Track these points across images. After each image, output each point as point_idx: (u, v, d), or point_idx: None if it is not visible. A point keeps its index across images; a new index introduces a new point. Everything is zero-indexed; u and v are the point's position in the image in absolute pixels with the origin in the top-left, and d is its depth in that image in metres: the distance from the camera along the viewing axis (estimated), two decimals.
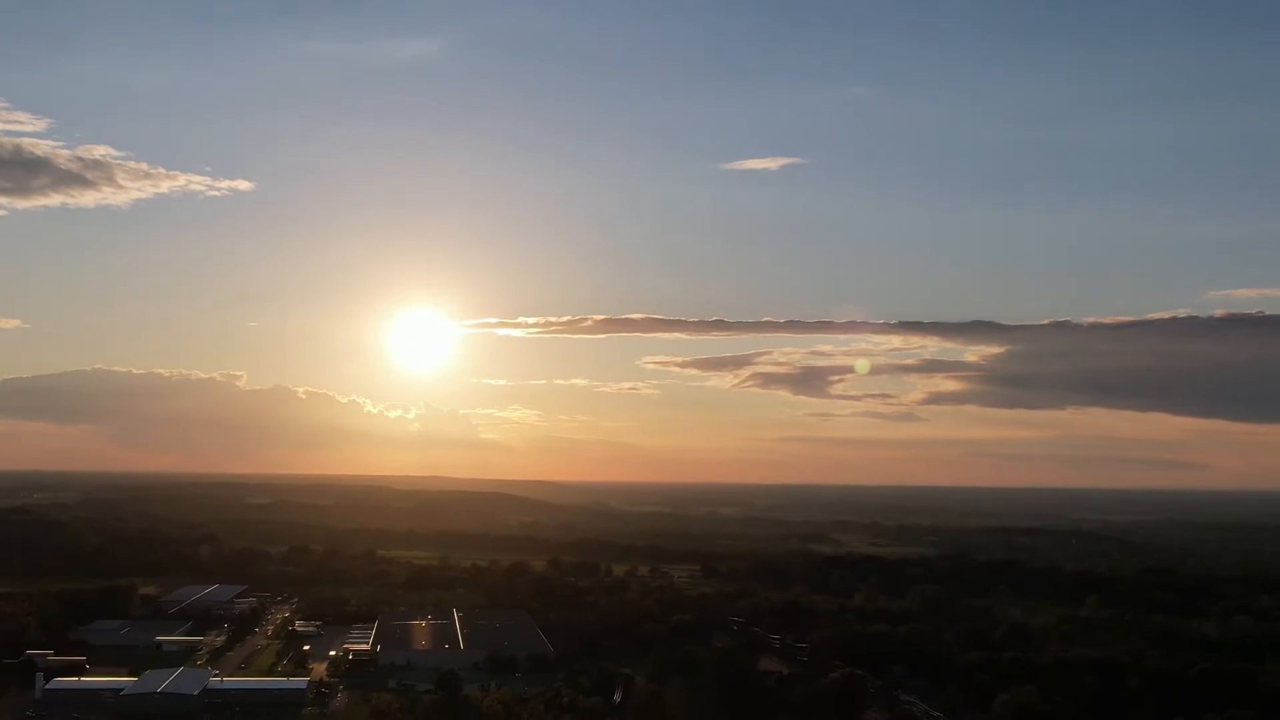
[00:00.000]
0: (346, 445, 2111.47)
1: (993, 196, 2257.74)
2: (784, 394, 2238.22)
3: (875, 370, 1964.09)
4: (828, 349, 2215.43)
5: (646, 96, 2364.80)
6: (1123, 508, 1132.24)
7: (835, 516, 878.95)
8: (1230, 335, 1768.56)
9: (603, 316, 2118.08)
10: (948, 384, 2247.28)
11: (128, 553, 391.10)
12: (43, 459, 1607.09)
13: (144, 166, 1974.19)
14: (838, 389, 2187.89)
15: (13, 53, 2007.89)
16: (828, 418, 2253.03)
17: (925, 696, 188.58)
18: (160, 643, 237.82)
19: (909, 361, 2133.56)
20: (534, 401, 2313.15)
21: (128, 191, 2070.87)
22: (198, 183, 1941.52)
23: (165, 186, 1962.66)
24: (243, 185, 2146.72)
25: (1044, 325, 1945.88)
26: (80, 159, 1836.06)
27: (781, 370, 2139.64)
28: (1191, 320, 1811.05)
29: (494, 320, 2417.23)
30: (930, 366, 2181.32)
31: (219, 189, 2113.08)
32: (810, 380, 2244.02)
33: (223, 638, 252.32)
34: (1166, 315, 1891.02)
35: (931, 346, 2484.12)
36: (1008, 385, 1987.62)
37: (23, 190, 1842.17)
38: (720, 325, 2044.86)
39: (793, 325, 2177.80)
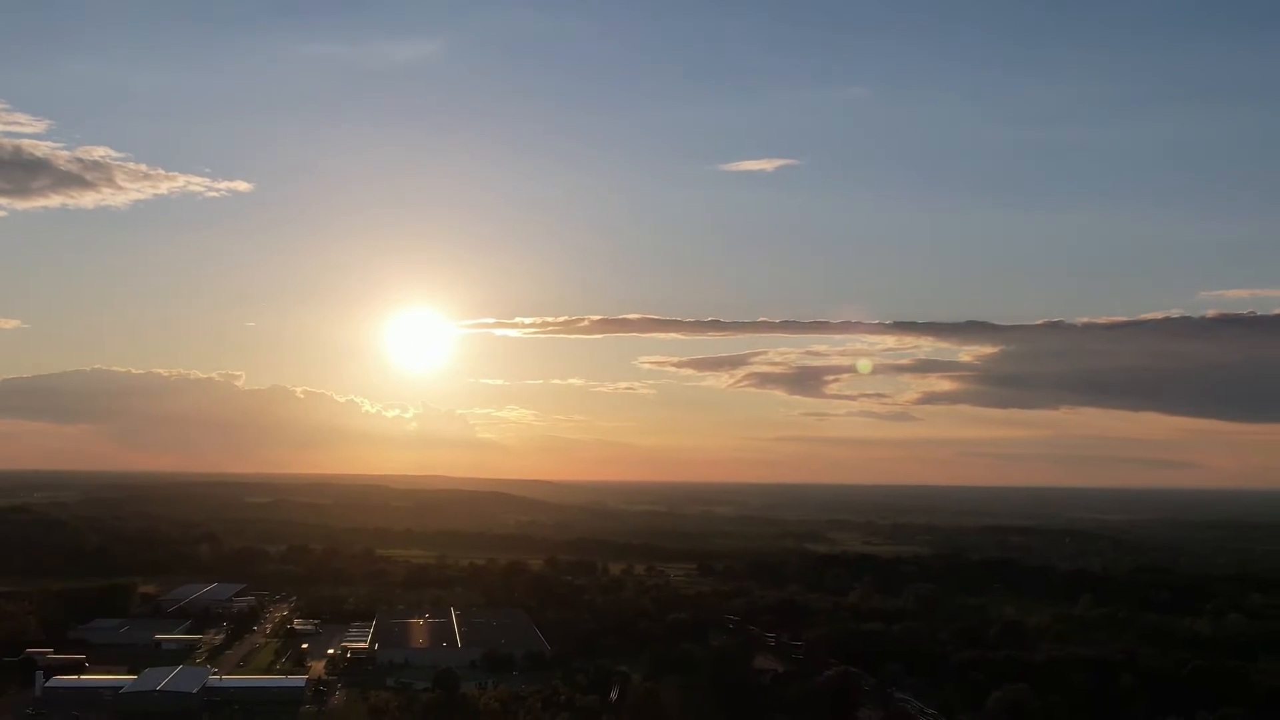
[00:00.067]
0: (345, 445, 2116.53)
1: (987, 198, 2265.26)
2: (779, 394, 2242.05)
3: (858, 370, 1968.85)
4: (823, 349, 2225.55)
5: (643, 98, 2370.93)
6: (1116, 507, 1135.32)
7: (830, 515, 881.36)
8: (1223, 335, 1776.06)
9: (599, 317, 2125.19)
10: (942, 384, 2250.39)
11: (127, 552, 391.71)
12: (42, 458, 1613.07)
13: (143, 168, 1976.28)
14: (833, 389, 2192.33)
15: (13, 54, 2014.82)
16: (823, 417, 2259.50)
17: (919, 694, 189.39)
18: (159, 641, 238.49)
19: (904, 361, 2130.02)
20: (531, 401, 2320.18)
21: (127, 192, 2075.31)
22: (197, 184, 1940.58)
23: (164, 187, 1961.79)
24: (241, 186, 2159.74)
25: (1038, 325, 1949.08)
26: (80, 160, 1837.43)
27: (777, 370, 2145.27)
28: (1184, 320, 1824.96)
29: (491, 320, 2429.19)
30: (925, 366, 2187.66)
31: (218, 190, 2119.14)
32: (805, 380, 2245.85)
33: (222, 636, 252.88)
34: (1160, 315, 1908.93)
35: (926, 346, 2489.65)
36: (1002, 385, 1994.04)
37: (23, 191, 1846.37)
38: (716, 325, 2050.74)
39: (788, 325, 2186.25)
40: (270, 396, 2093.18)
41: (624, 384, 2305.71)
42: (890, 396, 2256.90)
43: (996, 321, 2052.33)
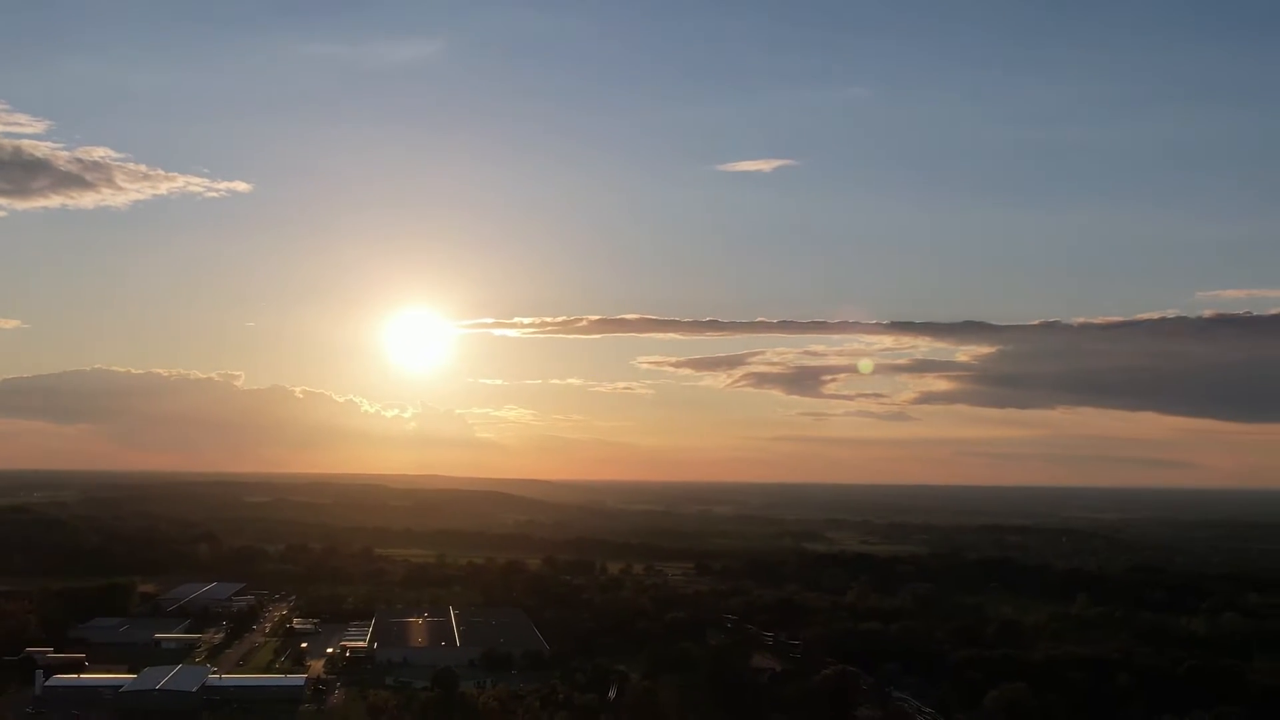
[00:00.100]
0: (344, 444, 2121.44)
1: (984, 198, 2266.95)
2: (777, 393, 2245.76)
3: (860, 370, 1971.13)
4: (820, 349, 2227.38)
5: (642, 98, 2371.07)
6: (1112, 506, 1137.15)
7: (828, 515, 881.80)
8: (1219, 335, 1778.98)
9: (598, 317, 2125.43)
10: (939, 384, 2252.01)
11: (126, 551, 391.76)
12: (42, 458, 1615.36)
13: (143, 168, 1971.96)
14: (830, 388, 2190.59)
15: (13, 55, 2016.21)
16: (820, 417, 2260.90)
17: (917, 693, 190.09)
18: (159, 640, 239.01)
19: (901, 361, 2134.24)
20: (529, 401, 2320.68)
21: (127, 193, 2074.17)
22: (196, 184, 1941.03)
23: (164, 188, 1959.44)
24: (241, 187, 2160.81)
25: (1034, 325, 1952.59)
26: (80, 160, 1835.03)
27: (775, 370, 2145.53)
28: (1181, 321, 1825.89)
29: (490, 320, 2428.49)
30: (922, 366, 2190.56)
31: (217, 190, 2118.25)
32: (803, 380, 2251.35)
33: (221, 635, 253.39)
34: (1156, 316, 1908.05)
35: (923, 346, 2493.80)
36: (999, 385, 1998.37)
37: (22, 192, 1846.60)
38: (714, 325, 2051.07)
39: (786, 325, 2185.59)
40: (269, 396, 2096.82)
41: (622, 384, 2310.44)
42: (888, 396, 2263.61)
43: (993, 321, 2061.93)
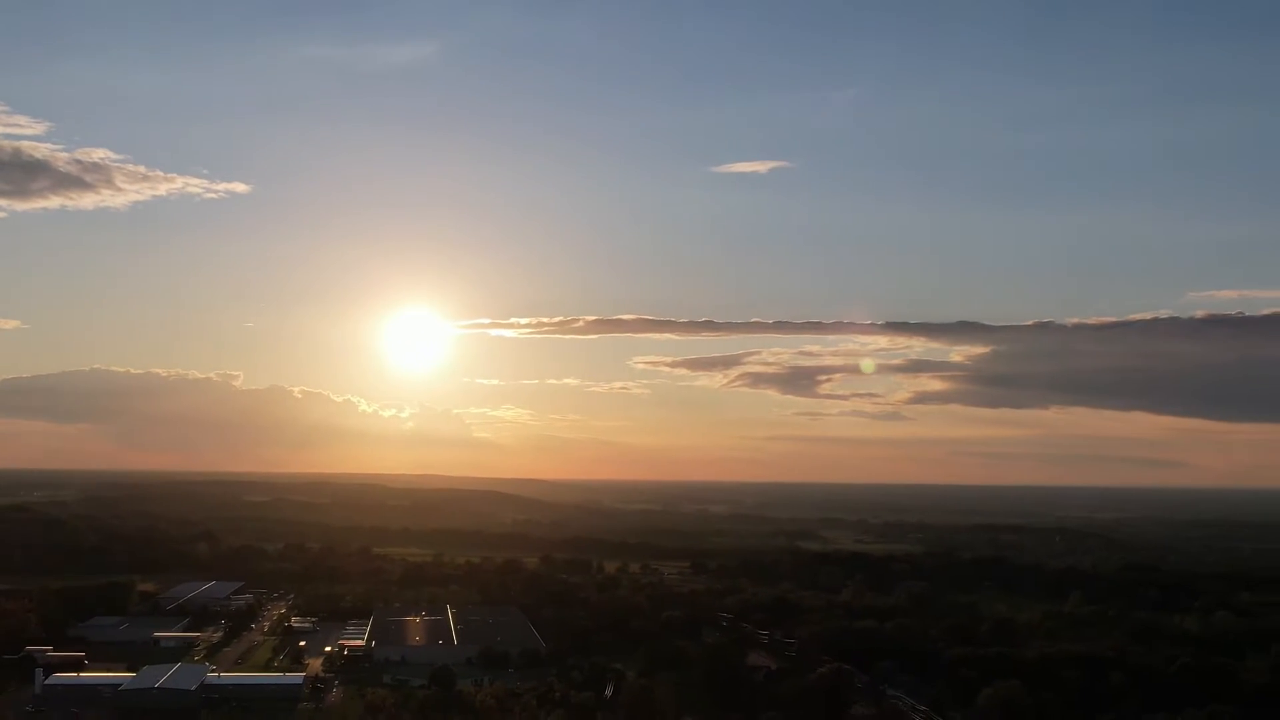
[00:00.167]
0: (342, 444, 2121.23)
1: (979, 199, 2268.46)
2: (772, 393, 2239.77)
3: (862, 370, 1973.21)
4: (816, 349, 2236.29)
5: (638, 100, 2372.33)
6: (1106, 505, 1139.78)
7: (823, 514, 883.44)
8: (1211, 336, 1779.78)
9: (594, 317, 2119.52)
10: (934, 384, 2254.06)
11: (126, 550, 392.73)
12: (42, 458, 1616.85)
13: (142, 169, 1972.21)
14: (826, 388, 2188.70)
15: (12, 57, 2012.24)
16: (815, 417, 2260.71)
17: (911, 691, 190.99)
18: (158, 639, 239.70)
19: (895, 361, 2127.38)
20: (527, 401, 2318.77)
21: (126, 194, 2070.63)
22: (195, 185, 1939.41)
23: (163, 189, 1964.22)
24: (239, 188, 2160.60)
25: (1028, 326, 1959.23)
26: (79, 162, 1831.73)
27: (770, 370, 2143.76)
28: (1173, 321, 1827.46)
29: (487, 321, 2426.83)
30: (916, 366, 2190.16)
31: (216, 191, 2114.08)
32: (798, 380, 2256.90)
33: (220, 634, 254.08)
34: (1148, 316, 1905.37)
35: (918, 347, 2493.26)
36: (992, 385, 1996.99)
37: (22, 193, 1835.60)
38: (710, 326, 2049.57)
39: (781, 326, 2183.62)
40: (268, 396, 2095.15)
41: (619, 384, 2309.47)
42: (882, 396, 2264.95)
43: (987, 322, 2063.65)
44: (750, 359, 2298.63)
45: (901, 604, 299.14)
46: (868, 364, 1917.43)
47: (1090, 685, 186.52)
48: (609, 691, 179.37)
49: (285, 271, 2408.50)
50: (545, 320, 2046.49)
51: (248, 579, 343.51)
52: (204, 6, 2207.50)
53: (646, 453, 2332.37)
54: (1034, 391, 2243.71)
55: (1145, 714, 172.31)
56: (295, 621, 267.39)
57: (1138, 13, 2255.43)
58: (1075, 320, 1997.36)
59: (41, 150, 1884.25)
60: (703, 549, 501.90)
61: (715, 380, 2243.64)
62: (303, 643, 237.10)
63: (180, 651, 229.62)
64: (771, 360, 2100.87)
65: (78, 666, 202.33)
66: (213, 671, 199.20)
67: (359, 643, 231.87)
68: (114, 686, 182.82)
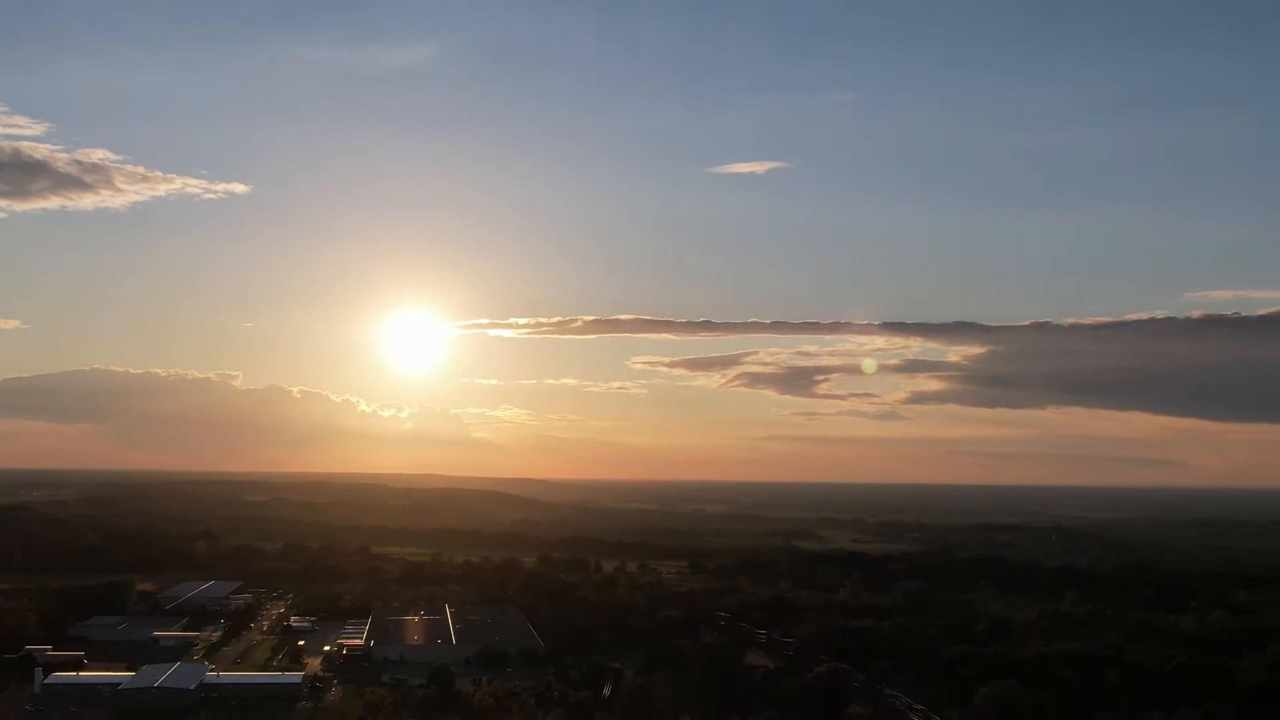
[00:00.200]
0: (341, 444, 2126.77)
1: (975, 200, 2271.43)
2: (770, 393, 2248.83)
3: (859, 370, 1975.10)
4: (813, 349, 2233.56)
5: (635, 101, 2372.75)
6: (1102, 505, 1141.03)
7: (820, 514, 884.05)
8: (1207, 336, 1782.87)
9: (592, 317, 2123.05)
10: (931, 383, 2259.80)
11: (125, 550, 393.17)
12: (41, 457, 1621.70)
13: (141, 170, 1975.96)
14: (823, 388, 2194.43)
15: (12, 57, 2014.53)
16: (813, 416, 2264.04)
17: (909, 690, 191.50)
18: (157, 638, 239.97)
19: (893, 361, 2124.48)
20: (525, 401, 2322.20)
21: (125, 194, 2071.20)
22: (194, 186, 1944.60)
23: (162, 189, 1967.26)
24: (238, 188, 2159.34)
25: (1025, 326, 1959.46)
26: (79, 162, 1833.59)
27: (768, 370, 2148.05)
28: (1169, 321, 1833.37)
29: (485, 321, 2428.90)
30: (913, 366, 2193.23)
31: (215, 192, 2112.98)
32: (796, 380, 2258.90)
33: (219, 633, 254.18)
34: (1145, 316, 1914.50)
35: (915, 347, 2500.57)
36: (989, 385, 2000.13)
37: (22, 193, 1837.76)
38: (708, 326, 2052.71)
39: (779, 326, 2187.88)
40: (267, 396, 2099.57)
41: (617, 384, 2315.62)
42: (879, 396, 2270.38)
43: (984, 322, 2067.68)
44: (748, 359, 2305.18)
45: (898, 603, 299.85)
46: (869, 364, 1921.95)
47: (1086, 684, 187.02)
48: (607, 690, 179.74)
49: (284, 272, 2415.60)
50: (544, 320, 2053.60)
51: (247, 578, 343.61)
52: (204, 8, 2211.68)
53: (644, 452, 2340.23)
54: (1031, 391, 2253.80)
55: (1141, 713, 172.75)
56: (294, 621, 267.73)
57: (1132, 15, 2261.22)
58: (1072, 320, 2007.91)
59: (41, 151, 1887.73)
60: (700, 548, 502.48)
61: (713, 380, 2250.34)
62: (301, 642, 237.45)
63: (179, 651, 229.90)
64: (769, 360, 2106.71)
65: (77, 666, 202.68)
66: (212, 670, 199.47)
67: (358, 642, 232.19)
68: (113, 685, 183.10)
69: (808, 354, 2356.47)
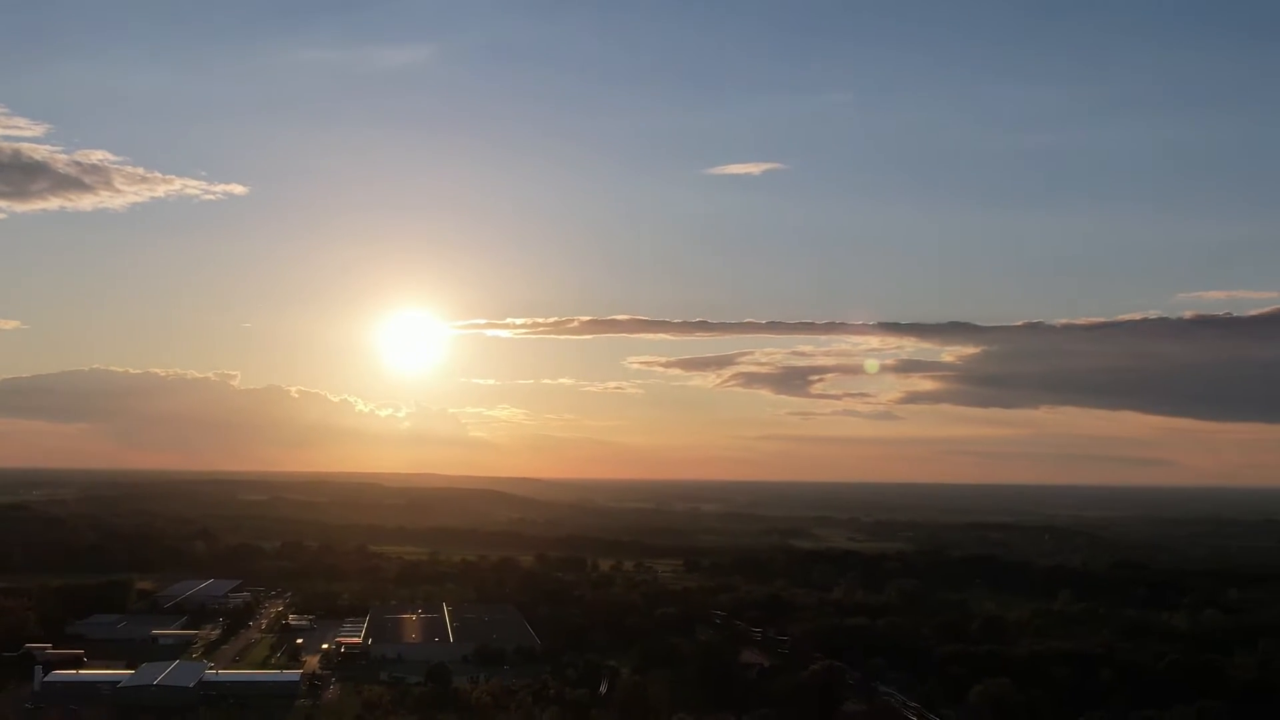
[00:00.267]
0: (339, 443, 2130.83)
1: (969, 201, 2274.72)
2: (765, 393, 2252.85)
3: (854, 370, 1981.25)
4: (808, 349, 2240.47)
5: (632, 102, 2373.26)
6: (1095, 504, 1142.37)
7: (815, 512, 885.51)
8: (1199, 336, 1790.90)
9: (589, 317, 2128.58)
10: (925, 383, 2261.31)
11: (124, 548, 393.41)
12: (41, 457, 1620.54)
13: (141, 171, 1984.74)
14: (818, 388, 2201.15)
15: (12, 59, 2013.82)
16: (808, 416, 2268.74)
17: (903, 688, 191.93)
18: (156, 636, 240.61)
19: (887, 361, 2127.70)
20: (522, 400, 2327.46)
21: (125, 195, 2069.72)
22: (193, 187, 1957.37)
23: (161, 190, 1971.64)
24: (237, 189, 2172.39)
25: (1018, 326, 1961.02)
26: (78, 163, 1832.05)
27: (763, 370, 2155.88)
28: (1162, 322, 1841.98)
29: (483, 321, 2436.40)
30: (908, 366, 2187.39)
31: (214, 193, 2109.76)
32: (791, 380, 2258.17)
33: (218, 631, 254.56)
34: (1137, 317, 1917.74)
35: (909, 347, 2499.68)
36: (983, 385, 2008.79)
37: (21, 194, 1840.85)
38: (703, 326, 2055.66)
39: (774, 326, 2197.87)
40: (265, 396, 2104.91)
41: (613, 384, 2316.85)
42: (874, 396, 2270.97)
43: (978, 322, 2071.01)
44: (743, 359, 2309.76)
45: (893, 601, 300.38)
46: (872, 364, 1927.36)
47: (1079, 682, 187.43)
48: (603, 688, 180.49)
49: (283, 272, 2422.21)
50: (540, 321, 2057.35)
51: (245, 577, 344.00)
52: (203, 8, 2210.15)
53: (640, 452, 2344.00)
54: (1024, 391, 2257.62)
55: (1134, 710, 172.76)
56: (292, 619, 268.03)
57: (1130, 16, 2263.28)
58: (1065, 321, 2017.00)
59: (41, 152, 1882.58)
60: (696, 547, 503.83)
61: (709, 380, 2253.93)
62: (300, 640, 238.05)
63: (178, 649, 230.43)
64: (764, 360, 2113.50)
65: (76, 664, 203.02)
66: (210, 668, 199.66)
67: (356, 640, 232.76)
68: (113, 683, 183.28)
69: (803, 354, 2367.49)
